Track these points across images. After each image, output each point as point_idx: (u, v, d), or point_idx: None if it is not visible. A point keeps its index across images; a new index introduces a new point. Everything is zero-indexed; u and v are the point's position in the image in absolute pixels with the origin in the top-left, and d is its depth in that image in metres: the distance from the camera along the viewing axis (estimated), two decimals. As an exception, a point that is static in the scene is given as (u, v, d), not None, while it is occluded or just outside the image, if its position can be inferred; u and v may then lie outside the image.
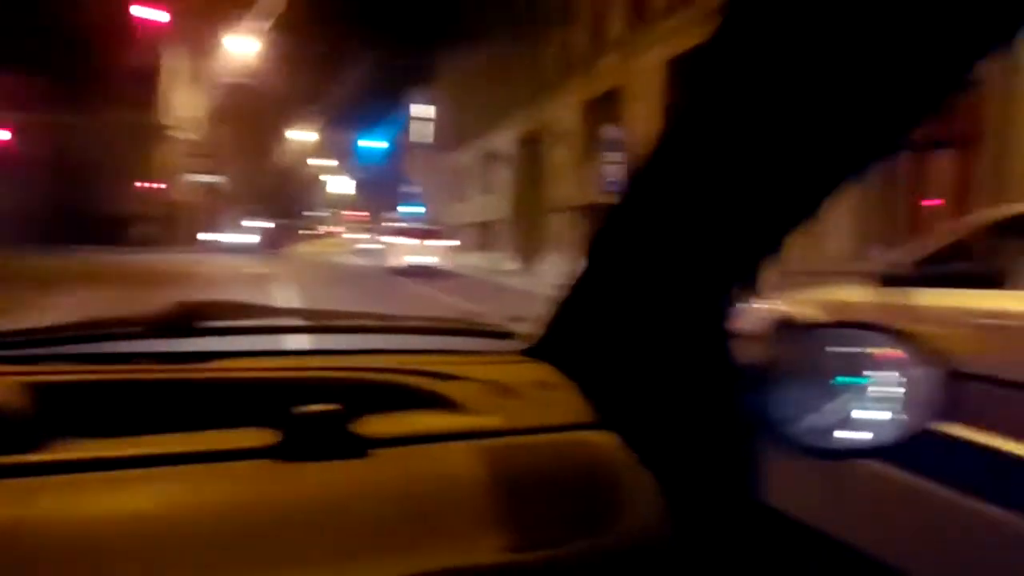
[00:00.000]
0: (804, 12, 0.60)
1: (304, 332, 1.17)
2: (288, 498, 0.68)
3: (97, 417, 0.81)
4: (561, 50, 21.51)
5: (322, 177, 72.52)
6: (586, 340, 1.01)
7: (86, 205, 30.27)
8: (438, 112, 37.70)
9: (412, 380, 0.97)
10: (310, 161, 63.81)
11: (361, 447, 0.75)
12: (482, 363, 1.09)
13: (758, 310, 4.65)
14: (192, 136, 34.95)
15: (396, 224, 23.93)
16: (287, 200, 59.78)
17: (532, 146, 23.27)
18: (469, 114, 30.40)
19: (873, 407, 0.78)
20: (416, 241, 20.53)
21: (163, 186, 32.55)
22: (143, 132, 30.89)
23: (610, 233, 0.92)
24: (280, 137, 52.68)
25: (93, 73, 30.16)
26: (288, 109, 47.37)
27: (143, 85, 31.43)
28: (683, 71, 3.43)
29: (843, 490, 1.71)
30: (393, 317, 1.22)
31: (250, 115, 42.37)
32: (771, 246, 0.77)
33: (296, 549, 0.64)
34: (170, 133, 32.68)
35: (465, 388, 0.95)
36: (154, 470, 0.68)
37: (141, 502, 0.65)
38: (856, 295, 4.24)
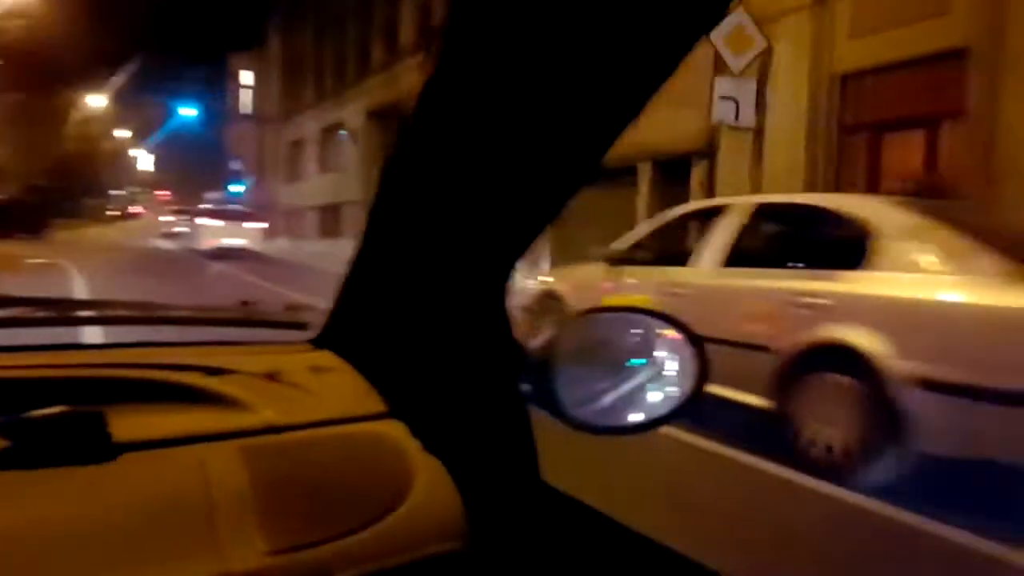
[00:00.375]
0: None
1: (52, 325, 0.96)
2: (18, 513, 0.59)
3: None
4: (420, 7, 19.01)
5: (134, 153, 64.48)
6: (369, 327, 0.99)
7: None
8: (264, 79, 33.40)
9: (178, 375, 0.87)
10: (116, 133, 56.06)
11: (110, 452, 0.66)
12: (262, 355, 1.04)
13: (526, 286, 6.09)
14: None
15: (207, 206, 23.84)
16: (81, 177, 51.88)
17: (386, 120, 20.49)
18: (306, 82, 26.85)
19: (652, 384, 0.84)
20: (226, 223, 20.62)
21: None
22: None
23: (383, 216, 0.88)
24: (68, 99, 45.07)
25: None
26: (77, 64, 40.50)
27: None
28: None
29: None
30: (167, 307, 1.13)
31: (24, 66, 35.39)
32: (539, 227, 0.78)
33: (30, 571, 0.55)
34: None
35: (240, 382, 0.88)
36: None
37: None
38: (590, 273, 5.79)
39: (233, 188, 32.70)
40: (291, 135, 28.23)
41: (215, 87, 39.41)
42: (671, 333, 0.85)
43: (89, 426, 0.66)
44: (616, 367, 0.86)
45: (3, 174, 35.47)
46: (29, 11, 30.03)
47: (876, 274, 3.72)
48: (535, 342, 0.83)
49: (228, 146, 37.31)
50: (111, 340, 1.01)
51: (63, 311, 1.03)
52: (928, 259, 3.63)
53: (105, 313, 1.07)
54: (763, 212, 4.87)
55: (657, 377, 0.85)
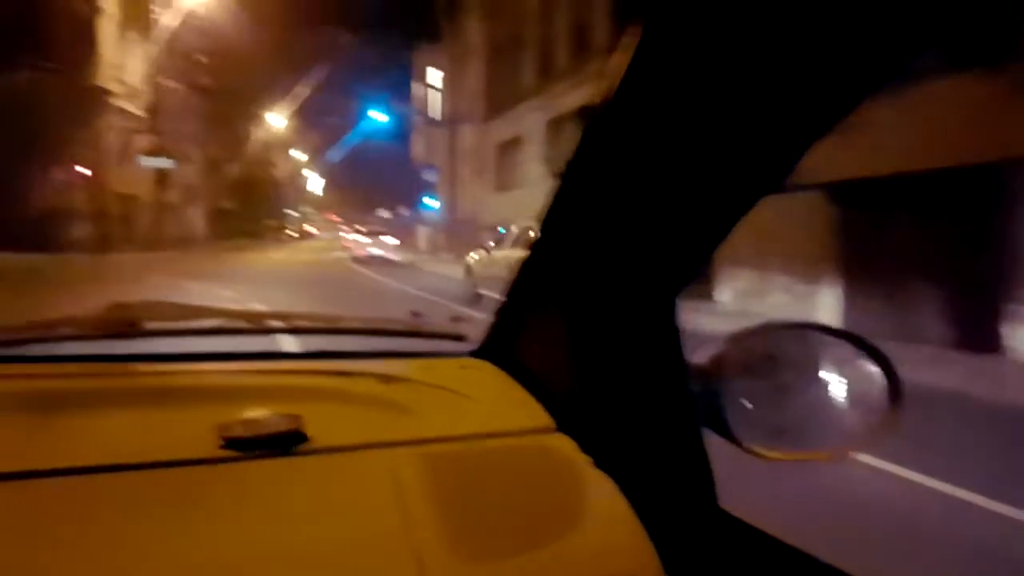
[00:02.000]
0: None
1: (247, 334, 1.06)
2: (232, 507, 0.66)
3: (32, 422, 0.78)
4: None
5: (307, 173, 64.77)
6: (532, 341, 1.00)
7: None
8: (456, 76, 29.66)
9: (360, 384, 0.95)
10: (292, 152, 55.82)
11: (308, 453, 0.74)
12: (430, 366, 1.10)
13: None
14: (135, 109, 26.43)
15: (363, 228, 32.34)
16: (265, 197, 51.63)
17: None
18: (521, 66, 22.40)
19: (830, 407, 0.77)
20: (372, 239, 28.15)
21: (90, 172, 23.85)
22: (76, 99, 22.42)
23: (554, 228, 0.88)
24: (252, 118, 44.24)
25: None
26: (261, 82, 39.23)
27: (74, 31, 23.02)
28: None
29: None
30: (337, 319, 1.20)
31: (212, 88, 34.09)
32: (716, 241, 0.75)
33: (240, 558, 0.61)
34: (113, 102, 24.22)
35: (413, 391, 0.94)
36: (96, 477, 0.67)
37: (85, 511, 0.63)
38: (475, 256, 12.02)
39: (428, 202, 29.25)
40: (501, 135, 23.85)
41: (400, 92, 36.51)
42: (852, 352, 0.77)
43: (291, 428, 0.75)
44: (788, 386, 0.78)
45: (192, 194, 34.20)
46: (215, 28, 28.25)
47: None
48: (699, 357, 0.78)
49: (416, 155, 34.05)
50: (294, 346, 1.19)
51: (257, 322, 1.10)
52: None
53: (292, 324, 1.13)
54: None
55: (836, 399, 0.77)
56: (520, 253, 2.75)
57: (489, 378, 1.02)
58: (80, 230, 22.72)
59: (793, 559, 0.72)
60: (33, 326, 0.99)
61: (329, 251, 35.40)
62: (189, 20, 27.73)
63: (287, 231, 58.02)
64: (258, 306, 8.62)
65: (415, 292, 14.19)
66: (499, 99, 24.09)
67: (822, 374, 0.78)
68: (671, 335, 0.82)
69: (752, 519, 0.76)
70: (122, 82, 25.23)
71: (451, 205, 28.95)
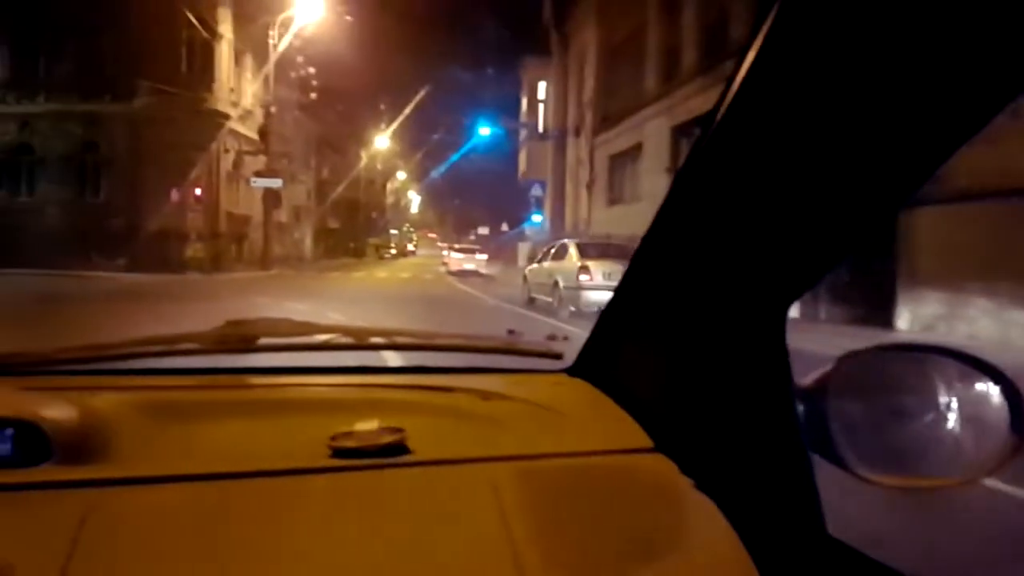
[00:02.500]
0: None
1: (353, 349, 1.10)
2: (340, 515, 0.69)
3: (156, 429, 0.83)
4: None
5: (410, 193, 65.50)
6: (629, 358, 1.00)
7: (116, 217, 22.42)
8: (563, 87, 28.61)
9: (460, 399, 0.98)
10: (399, 175, 56.46)
11: (411, 465, 0.76)
12: (526, 382, 1.12)
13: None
14: (248, 131, 26.77)
15: (458, 245, 35.40)
16: (368, 217, 52.32)
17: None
18: (641, 70, 21.04)
19: (945, 433, 0.72)
20: (464, 255, 31.23)
21: (206, 193, 24.17)
22: (193, 122, 22.80)
23: (652, 247, 0.87)
24: (358, 139, 44.77)
25: (122, 41, 22.41)
26: (368, 103, 39.54)
27: (194, 56, 23.51)
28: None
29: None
30: (437, 335, 1.24)
31: (321, 108, 34.46)
32: (833, 258, 0.72)
33: (348, 565, 0.64)
34: (228, 124, 24.56)
35: (510, 408, 0.96)
36: (216, 484, 0.71)
37: (202, 516, 0.66)
38: (530, 268, 14.54)
39: (535, 218, 28.27)
40: (615, 146, 22.54)
41: (506, 108, 35.85)
42: (972, 374, 0.73)
43: (395, 440, 0.77)
44: (903, 411, 0.74)
45: (300, 214, 34.63)
46: (326, 50, 28.43)
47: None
48: (807, 379, 0.75)
49: (523, 170, 33.24)
50: (396, 361, 1.27)
51: (361, 338, 1.13)
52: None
53: (394, 340, 1.16)
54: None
55: (954, 424, 0.72)
56: (552, 264, 13.25)
57: (585, 396, 1.04)
58: (195, 250, 23.01)
59: None
60: (156, 340, 1.03)
61: (428, 268, 35.85)
62: (301, 43, 28.00)
63: (388, 249, 58.63)
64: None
65: (483, 297, 17.43)
66: (613, 108, 22.78)
67: (939, 397, 0.73)
68: (778, 354, 0.78)
69: (864, 547, 0.72)
70: (236, 104, 25.61)
71: (557, 220, 27.85)
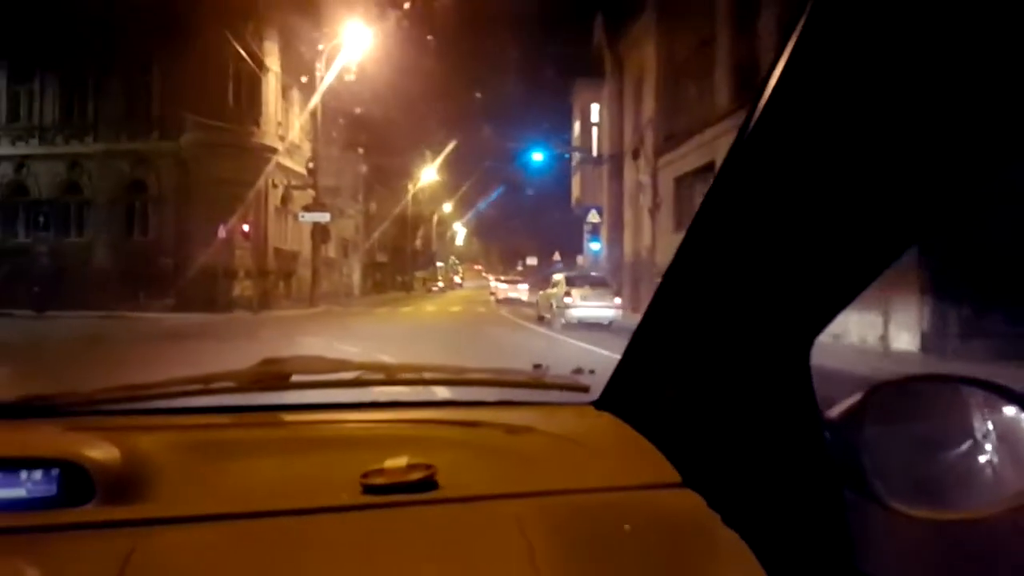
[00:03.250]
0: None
1: (382, 385, 1.14)
2: (373, 551, 0.70)
3: (194, 468, 0.85)
4: None
5: (455, 225, 64.99)
6: (656, 392, 0.99)
7: (164, 256, 21.83)
8: (619, 108, 27.41)
9: (488, 434, 0.99)
10: (445, 207, 55.96)
11: (441, 502, 0.78)
12: (554, 416, 1.13)
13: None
14: (295, 165, 26.13)
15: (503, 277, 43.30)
16: (415, 250, 51.73)
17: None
18: (709, 84, 19.70)
19: (978, 464, 0.71)
20: (508, 285, 37.49)
21: (253, 229, 23.46)
22: (241, 157, 22.22)
23: (678, 279, 0.88)
24: (405, 172, 44.25)
25: (168, 77, 22.02)
26: (415, 136, 39.00)
27: (241, 90, 23.02)
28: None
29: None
30: (466, 370, 1.24)
31: (368, 141, 33.91)
32: (855, 290, 0.71)
33: None
34: (275, 159, 23.94)
35: (537, 442, 0.97)
36: (250, 522, 0.73)
37: (241, 554, 0.68)
38: (541, 292, 19.51)
39: (593, 246, 26.96)
40: (680, 167, 21.12)
41: (557, 135, 34.84)
42: (1006, 407, 0.71)
43: (425, 476, 0.80)
44: (934, 443, 0.73)
45: (348, 248, 33.94)
46: (372, 83, 27.86)
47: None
48: (835, 411, 0.74)
49: (576, 197, 32.04)
50: (425, 396, 1.19)
51: (391, 374, 1.15)
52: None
53: (423, 375, 1.17)
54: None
55: (986, 454, 0.71)
56: (550, 291, 18.39)
57: (612, 429, 1.03)
58: (244, 288, 22.26)
59: None
60: (194, 380, 1.04)
61: (478, 300, 36.06)
62: (348, 76, 27.49)
63: (435, 282, 57.87)
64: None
65: (511, 317, 19.84)
66: (678, 127, 21.46)
67: (970, 427, 0.72)
68: (804, 387, 0.77)
69: None
70: (284, 138, 25.04)
71: (615, 247, 26.47)
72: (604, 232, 27.74)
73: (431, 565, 0.68)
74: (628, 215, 26.10)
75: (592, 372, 1.33)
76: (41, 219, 22.88)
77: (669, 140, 21.92)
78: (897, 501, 0.68)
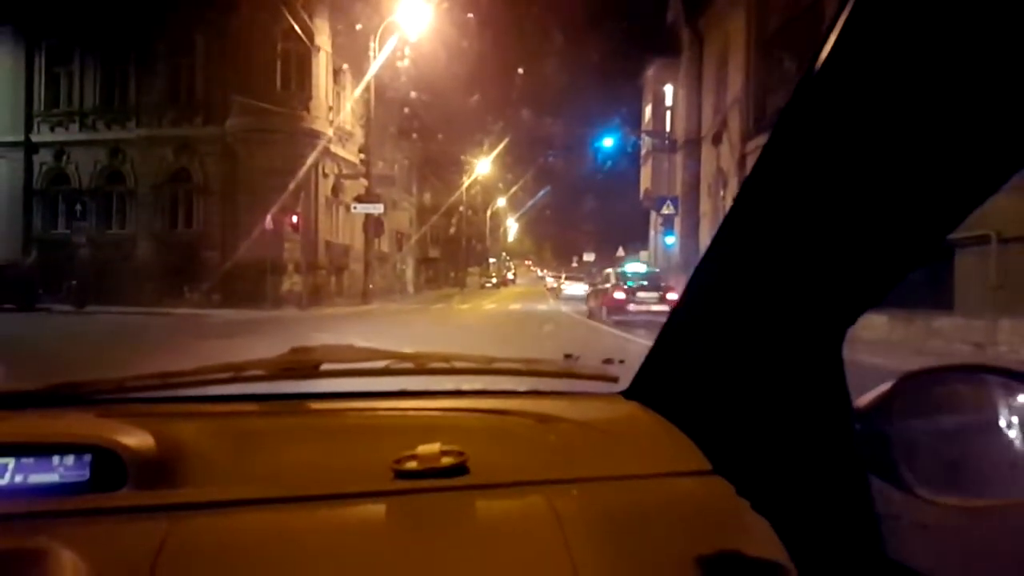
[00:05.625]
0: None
1: (413, 374, 1.12)
2: (405, 535, 0.71)
3: (226, 455, 0.85)
4: None
5: (509, 221, 63.35)
6: (685, 381, 1.00)
7: (209, 249, 20.43)
8: (696, 88, 24.99)
9: (518, 422, 1.00)
10: (500, 201, 54.33)
11: (472, 488, 0.78)
12: (584, 406, 1.12)
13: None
14: (347, 154, 24.47)
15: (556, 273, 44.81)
16: (470, 245, 50.13)
17: None
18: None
19: (1007, 454, 0.72)
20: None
21: (303, 221, 21.82)
22: (290, 143, 20.64)
23: (712, 269, 0.89)
24: (460, 164, 42.48)
25: (213, 57, 20.55)
26: (471, 126, 37.25)
27: (290, 71, 21.44)
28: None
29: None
30: (495, 359, 1.22)
31: (423, 128, 32.16)
32: (891, 281, 0.71)
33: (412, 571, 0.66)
34: (326, 146, 22.31)
35: (567, 431, 0.97)
36: (282, 507, 0.73)
37: (274, 539, 0.69)
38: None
39: (668, 240, 24.61)
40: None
41: (627, 119, 32.55)
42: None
43: (457, 463, 0.80)
44: (961, 432, 0.74)
45: (401, 242, 32.32)
46: (429, 67, 26.07)
47: None
48: (865, 399, 0.74)
49: (645, 187, 29.72)
50: (456, 385, 1.17)
51: (421, 363, 1.14)
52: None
53: (453, 365, 1.14)
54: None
55: (1015, 445, 0.71)
56: (605, 287, 17.71)
57: (641, 418, 1.03)
58: (293, 283, 20.70)
59: None
60: (225, 368, 1.04)
61: (535, 296, 35.30)
62: (402, 57, 25.75)
63: (489, 279, 56.19)
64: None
65: (574, 315, 19.64)
66: (771, 108, 19.07)
67: (997, 417, 0.73)
68: (835, 375, 0.78)
69: (924, 568, 0.72)
70: (335, 124, 23.40)
71: (689, 241, 24.12)
72: (678, 224, 25.40)
73: (464, 549, 0.68)
74: (705, 206, 23.76)
75: (622, 362, 1.33)
76: (81, 209, 21.74)
77: (760, 122, 19.51)
78: (924, 489, 0.69)
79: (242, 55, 20.14)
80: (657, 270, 19.55)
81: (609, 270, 19.11)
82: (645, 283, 16.72)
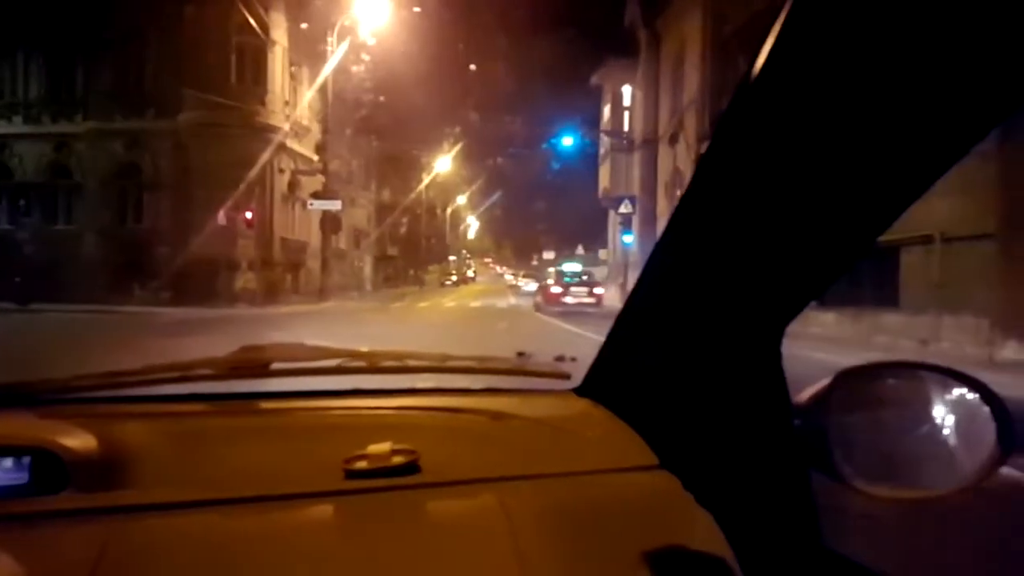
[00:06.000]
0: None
1: (365, 373, 1.12)
2: (355, 535, 0.71)
3: (172, 456, 0.84)
4: None
5: (469, 219, 63.17)
6: (634, 378, 1.02)
7: (160, 245, 19.95)
8: (654, 91, 25.26)
9: (470, 420, 1.00)
10: (459, 199, 54.14)
11: (424, 486, 0.78)
12: (536, 403, 1.14)
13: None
14: (304, 149, 24.14)
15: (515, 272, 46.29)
16: (429, 243, 49.84)
17: None
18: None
19: (937, 446, 0.75)
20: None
21: (257, 217, 21.47)
22: (244, 138, 20.25)
23: (657, 269, 0.90)
24: (419, 161, 42.23)
25: (165, 48, 20.05)
26: (430, 122, 37.06)
27: (244, 65, 21.03)
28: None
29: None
30: (448, 357, 1.22)
31: (381, 124, 31.89)
32: (827, 279, 0.74)
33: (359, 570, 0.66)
34: (285, 142, 21.96)
35: (520, 428, 0.98)
36: (229, 508, 0.72)
37: (220, 541, 0.68)
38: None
39: (627, 239, 24.80)
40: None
41: (584, 119, 32.71)
42: (965, 393, 0.75)
43: (408, 461, 0.80)
44: (897, 426, 0.77)
45: (359, 239, 31.99)
46: (387, 63, 25.86)
47: None
48: (805, 394, 0.76)
49: (604, 187, 29.92)
50: (408, 384, 1.17)
51: (373, 361, 1.13)
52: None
53: (406, 363, 1.14)
54: None
55: (945, 438, 0.75)
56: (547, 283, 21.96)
57: (593, 415, 1.04)
58: (247, 280, 20.34)
59: None
60: (172, 367, 1.02)
61: (496, 294, 35.15)
62: (359, 53, 25.48)
63: (449, 276, 56.00)
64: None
65: (536, 314, 19.42)
66: (725, 107, 19.34)
67: (932, 412, 0.76)
68: (775, 372, 0.80)
69: (859, 557, 0.74)
70: (291, 119, 23.04)
71: (646, 240, 24.35)
72: (636, 223, 25.68)
73: (415, 548, 0.68)
74: (663, 205, 24.05)
75: (574, 359, 1.34)
76: (25, 204, 21.05)
77: (716, 123, 19.80)
78: (860, 482, 0.71)
79: (195, 48, 19.69)
80: (588, 269, 24.06)
81: (551, 269, 22.60)
82: (578, 280, 21.14)
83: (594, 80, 29.93)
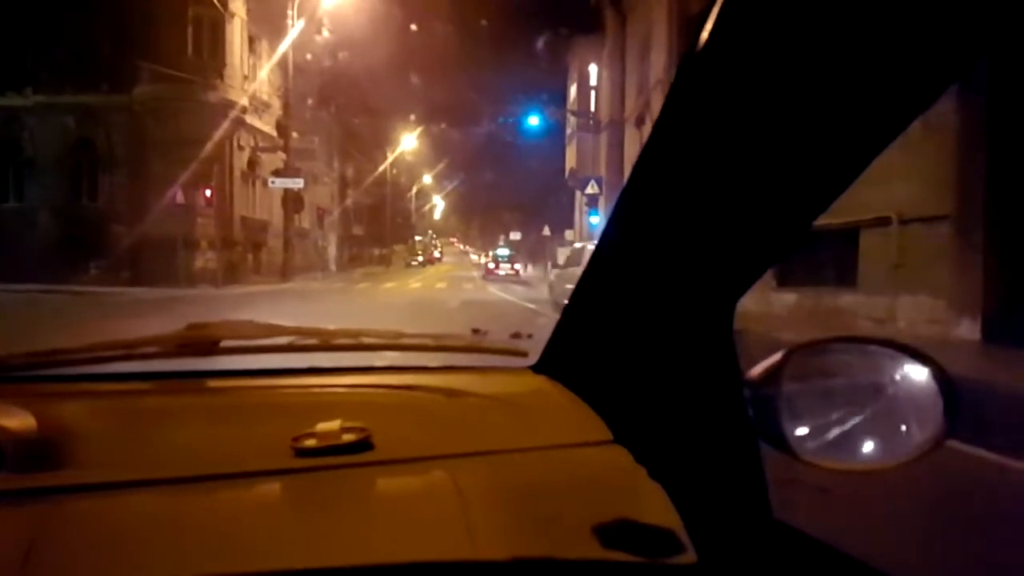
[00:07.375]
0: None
1: (318, 351, 1.08)
2: (305, 514, 0.70)
3: (114, 435, 0.82)
4: None
5: (435, 199, 62.63)
6: (589, 355, 1.02)
7: (116, 224, 19.42)
8: (619, 69, 25.19)
9: (424, 398, 0.99)
10: (426, 178, 53.62)
11: (376, 464, 0.77)
12: (491, 380, 1.13)
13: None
14: (264, 125, 23.62)
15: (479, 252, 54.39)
16: (395, 222, 49.35)
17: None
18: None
19: (888, 422, 0.76)
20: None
21: (216, 195, 21.00)
22: (201, 113, 19.73)
23: (610, 244, 0.91)
24: (384, 138, 41.67)
25: (119, 19, 19.38)
26: (395, 99, 36.55)
27: (201, 37, 20.42)
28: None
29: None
30: (403, 335, 1.20)
31: (345, 100, 31.34)
32: (775, 255, 0.76)
33: (309, 564, 0.64)
34: (241, 117, 21.44)
35: (474, 405, 0.98)
36: (179, 487, 0.71)
37: (162, 521, 0.66)
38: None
39: (593, 220, 24.79)
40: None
41: (550, 97, 32.51)
42: (914, 368, 0.76)
43: (359, 439, 0.78)
44: (847, 400, 0.77)
45: (322, 218, 31.56)
46: (350, 37, 25.35)
47: None
48: (756, 369, 0.77)
49: (570, 167, 29.82)
50: (362, 362, 1.14)
51: (326, 339, 1.10)
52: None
53: (359, 340, 1.11)
54: None
55: (893, 411, 0.76)
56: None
57: (548, 392, 1.04)
58: (206, 260, 19.92)
59: (852, 570, 0.74)
60: (116, 345, 1.01)
61: (462, 275, 35.82)
62: (322, 26, 24.93)
63: (415, 256, 55.62)
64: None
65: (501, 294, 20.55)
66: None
67: (880, 386, 0.77)
68: (726, 347, 0.81)
69: (809, 528, 0.77)
70: (251, 94, 22.51)
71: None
72: (603, 204, 25.70)
73: (364, 525, 0.67)
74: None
75: (531, 336, 1.33)
76: (-28, 180, 20.28)
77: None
78: (810, 455, 0.72)
79: (150, 19, 19.08)
80: (512, 252, 36.59)
81: (491, 252, 34.05)
82: (505, 259, 34.57)
83: (564, 59, 29.77)
